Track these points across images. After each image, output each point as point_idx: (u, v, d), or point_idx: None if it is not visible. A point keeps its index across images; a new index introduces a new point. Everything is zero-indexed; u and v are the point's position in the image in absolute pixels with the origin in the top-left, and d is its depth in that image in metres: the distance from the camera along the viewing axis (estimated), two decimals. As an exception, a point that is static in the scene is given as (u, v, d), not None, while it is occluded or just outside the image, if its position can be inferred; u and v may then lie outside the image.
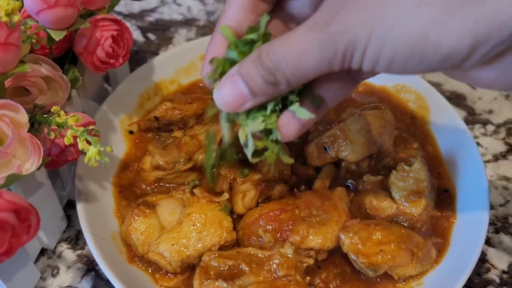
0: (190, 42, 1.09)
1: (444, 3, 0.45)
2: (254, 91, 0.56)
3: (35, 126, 0.72)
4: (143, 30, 1.30)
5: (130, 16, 1.34)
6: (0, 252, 0.58)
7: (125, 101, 0.98)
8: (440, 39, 0.46)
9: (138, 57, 1.22)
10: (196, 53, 1.07)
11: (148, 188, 0.88)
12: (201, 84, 1.07)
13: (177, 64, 1.06)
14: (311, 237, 0.78)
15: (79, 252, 0.89)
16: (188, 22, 1.33)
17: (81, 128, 0.67)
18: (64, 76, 0.76)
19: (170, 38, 1.28)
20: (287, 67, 0.52)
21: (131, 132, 0.98)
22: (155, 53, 1.24)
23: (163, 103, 0.95)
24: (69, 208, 0.93)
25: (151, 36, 1.29)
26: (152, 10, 1.36)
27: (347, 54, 0.50)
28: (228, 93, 0.57)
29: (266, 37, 0.59)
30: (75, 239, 0.91)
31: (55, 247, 0.89)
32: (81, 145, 0.66)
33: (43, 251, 0.88)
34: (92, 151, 0.64)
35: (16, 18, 0.64)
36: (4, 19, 0.63)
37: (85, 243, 0.90)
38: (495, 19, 0.44)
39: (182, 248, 0.76)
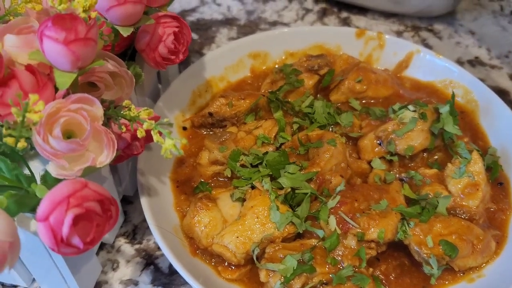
0: (237, 40, 1.10)
1: None
2: None
3: (103, 121, 0.74)
4: (185, 30, 1.31)
5: (170, 16, 1.35)
6: (87, 241, 0.59)
7: (178, 98, 1.00)
8: None
9: (182, 56, 1.23)
10: (244, 51, 1.09)
11: (207, 183, 0.89)
12: (249, 81, 1.09)
13: (226, 62, 1.08)
14: (372, 229, 0.78)
15: (137, 246, 0.90)
16: (228, 22, 1.34)
17: (153, 122, 0.68)
18: (129, 71, 0.78)
19: (213, 37, 1.29)
20: None
21: (184, 129, 0.99)
22: (199, 52, 1.25)
23: (216, 99, 0.95)
24: (125, 203, 0.95)
25: (194, 35, 1.30)
26: (193, 10, 1.38)
27: None
28: None
29: None
30: (132, 233, 0.92)
31: (114, 242, 0.91)
32: (155, 137, 0.67)
33: (102, 246, 0.90)
34: (168, 143, 0.65)
35: (93, 14, 0.66)
36: (82, 15, 0.65)
37: (142, 238, 0.91)
38: None
39: (246, 240, 0.77)
